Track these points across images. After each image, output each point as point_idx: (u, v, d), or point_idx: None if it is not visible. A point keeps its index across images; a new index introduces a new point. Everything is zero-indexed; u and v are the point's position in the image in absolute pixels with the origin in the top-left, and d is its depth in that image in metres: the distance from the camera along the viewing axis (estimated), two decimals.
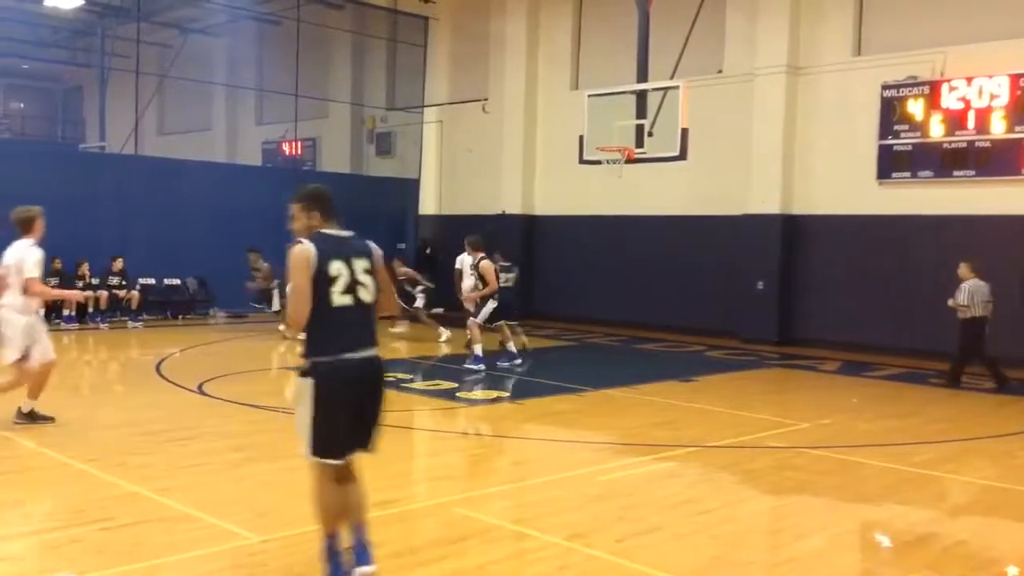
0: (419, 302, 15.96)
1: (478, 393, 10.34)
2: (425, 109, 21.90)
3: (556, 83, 19.64)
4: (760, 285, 16.18)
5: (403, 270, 15.91)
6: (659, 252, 17.62)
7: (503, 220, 19.84)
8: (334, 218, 4.51)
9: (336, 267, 4.27)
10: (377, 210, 20.11)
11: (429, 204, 21.97)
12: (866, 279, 15.12)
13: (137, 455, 7.22)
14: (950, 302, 11.60)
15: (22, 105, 34.13)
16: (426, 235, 21.68)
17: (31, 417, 7.94)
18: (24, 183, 15.59)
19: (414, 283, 16.08)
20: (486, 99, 20.67)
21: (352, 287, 4.31)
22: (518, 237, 19.62)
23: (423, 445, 8.45)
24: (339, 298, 4.27)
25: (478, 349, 12.08)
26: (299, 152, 23.33)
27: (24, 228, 7.73)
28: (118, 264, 16.49)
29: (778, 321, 16.07)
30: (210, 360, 12.97)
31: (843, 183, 15.57)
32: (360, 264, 4.37)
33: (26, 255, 7.63)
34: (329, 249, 4.30)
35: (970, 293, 11.45)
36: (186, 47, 25.45)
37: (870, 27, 15.62)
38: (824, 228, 15.71)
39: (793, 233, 16.08)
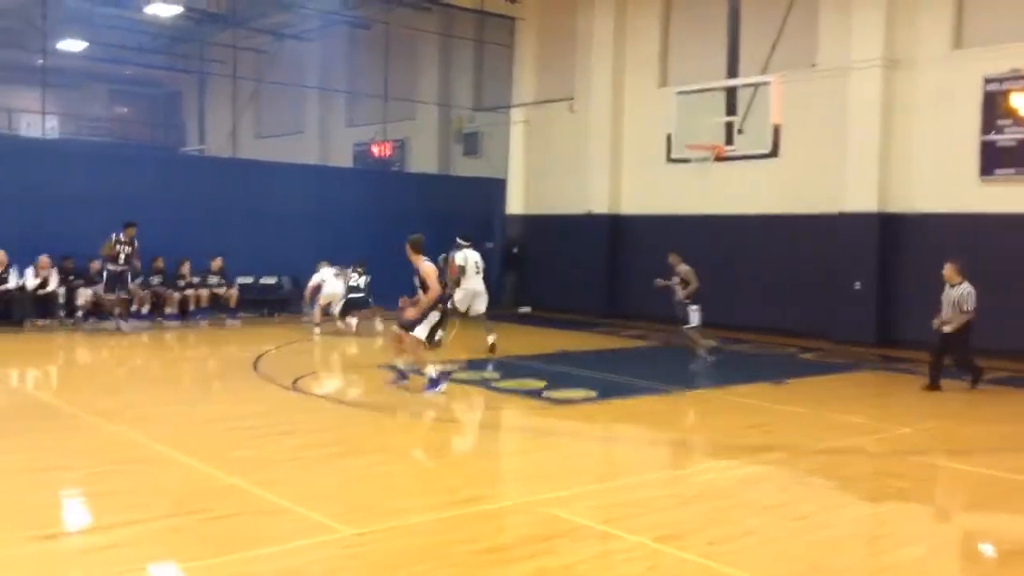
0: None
1: (566, 392, 10.32)
2: (512, 109, 21.97)
3: (643, 81, 19.47)
4: (857, 285, 15.73)
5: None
6: (750, 252, 17.30)
7: (589, 220, 19.78)
8: None
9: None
10: (464, 210, 20.28)
11: (516, 204, 22.03)
12: (968, 279, 14.54)
13: (235, 449, 7.44)
14: (935, 322, 11.04)
15: (125, 110, 35.45)
16: (513, 235, 21.76)
17: None
18: (127, 185, 16.39)
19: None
20: (572, 98, 20.63)
21: None
22: (604, 237, 19.52)
23: (511, 444, 8.48)
24: None
25: (431, 371, 9.71)
26: (388, 153, 23.68)
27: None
28: (217, 263, 17.02)
29: (876, 322, 15.59)
30: (304, 357, 13.26)
31: (943, 180, 15.01)
32: None
33: None
34: None
35: (956, 302, 10.94)
36: (280, 52, 26.10)
37: (971, 18, 15.04)
38: (924, 227, 15.18)
39: (891, 232, 15.59)
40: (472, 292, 13.40)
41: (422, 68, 24.04)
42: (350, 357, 13.82)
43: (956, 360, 11.21)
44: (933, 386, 11.08)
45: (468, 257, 13.47)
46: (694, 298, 13.24)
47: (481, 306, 13.51)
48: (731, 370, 13.15)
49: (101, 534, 5.36)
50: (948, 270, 11.18)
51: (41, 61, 18.33)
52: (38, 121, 20.04)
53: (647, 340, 16.20)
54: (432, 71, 23.89)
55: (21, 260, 15.04)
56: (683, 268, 13.41)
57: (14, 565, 4.72)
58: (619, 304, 19.19)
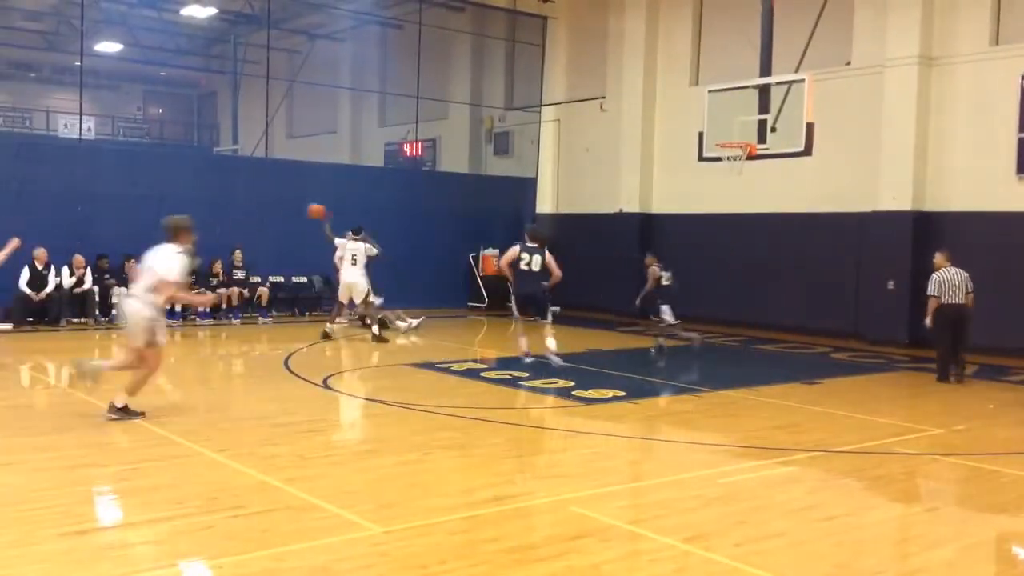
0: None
1: (595, 392, 10.31)
2: (543, 108, 21.98)
3: (675, 79, 19.39)
4: (890, 285, 15.56)
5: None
6: (781, 250, 17.17)
7: (620, 218, 19.73)
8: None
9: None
10: (495, 209, 20.34)
11: (546, 203, 22.03)
12: (1004, 279, 14.33)
13: (266, 446, 7.51)
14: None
15: (160, 110, 35.90)
16: (543, 234, 21.71)
17: (125, 412, 8.08)
18: (162, 185, 16.62)
19: None
20: (603, 97, 20.59)
21: None
22: (635, 235, 19.46)
23: (540, 442, 8.49)
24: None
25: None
26: (420, 153, 23.77)
27: (172, 235, 8.11)
28: (238, 255, 17.16)
29: (908, 322, 15.40)
30: (335, 356, 13.36)
31: (980, 179, 14.81)
32: None
33: (172, 262, 8.01)
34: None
35: (938, 283, 11.56)
36: (313, 52, 26.32)
37: (1009, 15, 14.80)
38: (959, 225, 14.97)
39: (925, 231, 15.39)
40: (345, 283, 14.55)
41: (454, 68, 24.11)
42: (380, 355, 13.88)
43: (960, 348, 11.69)
44: (944, 378, 11.60)
45: (348, 248, 14.52)
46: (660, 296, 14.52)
47: (357, 296, 14.55)
48: (762, 370, 13.07)
49: (133, 530, 5.45)
50: (941, 258, 11.78)
51: (79, 63, 18.59)
52: (76, 122, 20.33)
53: (676, 340, 16.12)
54: (464, 71, 23.95)
55: (58, 259, 15.30)
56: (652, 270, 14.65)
57: (46, 560, 4.81)
58: (649, 304, 19.09)
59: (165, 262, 8.01)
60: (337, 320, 14.89)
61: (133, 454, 7.14)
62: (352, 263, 14.50)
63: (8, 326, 14.81)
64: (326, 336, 14.47)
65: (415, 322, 16.25)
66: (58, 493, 6.02)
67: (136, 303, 8.04)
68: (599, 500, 6.22)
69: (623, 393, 10.35)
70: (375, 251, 14.75)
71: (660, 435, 8.71)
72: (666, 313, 14.43)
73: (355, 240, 14.65)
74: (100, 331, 15.15)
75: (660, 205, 19.68)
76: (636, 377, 11.91)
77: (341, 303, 14.87)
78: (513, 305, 12.41)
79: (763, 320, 17.12)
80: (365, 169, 23.13)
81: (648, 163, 19.79)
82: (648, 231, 19.58)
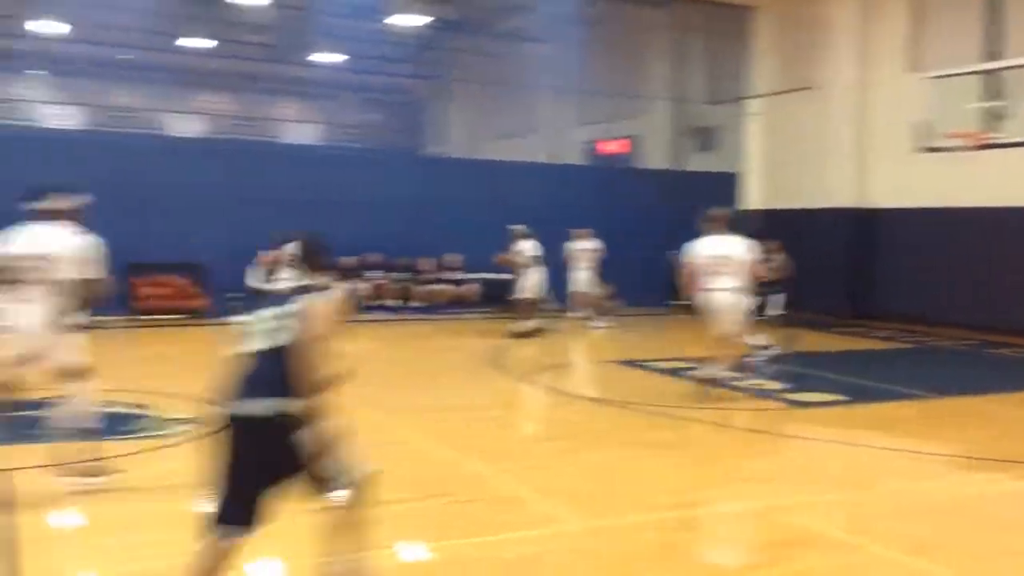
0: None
1: (807, 395, 9.90)
2: (747, 101, 21.35)
3: (890, 66, 18.27)
4: None
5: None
6: (1018, 247, 15.76)
7: (832, 214, 18.84)
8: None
9: None
10: (696, 206, 19.90)
11: (752, 199, 21.38)
12: None
13: (474, 437, 7.74)
14: None
15: (377, 117, 37.76)
16: (748, 231, 21.08)
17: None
18: (376, 187, 17.56)
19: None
20: (813, 87, 19.72)
21: None
22: (848, 232, 18.52)
23: (749, 446, 8.23)
24: None
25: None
26: (619, 150, 23.69)
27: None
28: (456, 259, 17.78)
29: None
30: (543, 351, 13.52)
31: None
32: None
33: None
34: None
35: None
36: (515, 54, 26.83)
37: None
38: None
39: None
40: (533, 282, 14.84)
41: (654, 63, 23.87)
42: (584, 352, 13.97)
43: None
44: None
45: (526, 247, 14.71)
46: None
47: (535, 293, 14.93)
48: (996, 376, 12.10)
49: None
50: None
51: (304, 74, 19.86)
52: (298, 129, 21.74)
53: (898, 342, 15.21)
54: (664, 65, 23.66)
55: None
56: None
57: (277, 535, 5.15)
58: (867, 303, 18.14)
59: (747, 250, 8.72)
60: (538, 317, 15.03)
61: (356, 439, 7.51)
62: (535, 261, 14.88)
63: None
64: (531, 333, 14.64)
65: (602, 323, 16.07)
66: None
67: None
68: (812, 508, 5.96)
69: (839, 397, 9.87)
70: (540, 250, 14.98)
71: (878, 442, 8.22)
72: (775, 306, 13.30)
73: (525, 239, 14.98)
74: None
75: (876, 199, 18.62)
76: (854, 380, 11.31)
77: (529, 300, 14.99)
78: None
79: (996, 322, 15.77)
80: (564, 167, 23.34)
81: (862, 155, 18.78)
82: (861, 226, 18.59)
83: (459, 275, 18.05)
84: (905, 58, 18.03)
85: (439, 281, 17.76)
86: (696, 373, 9.63)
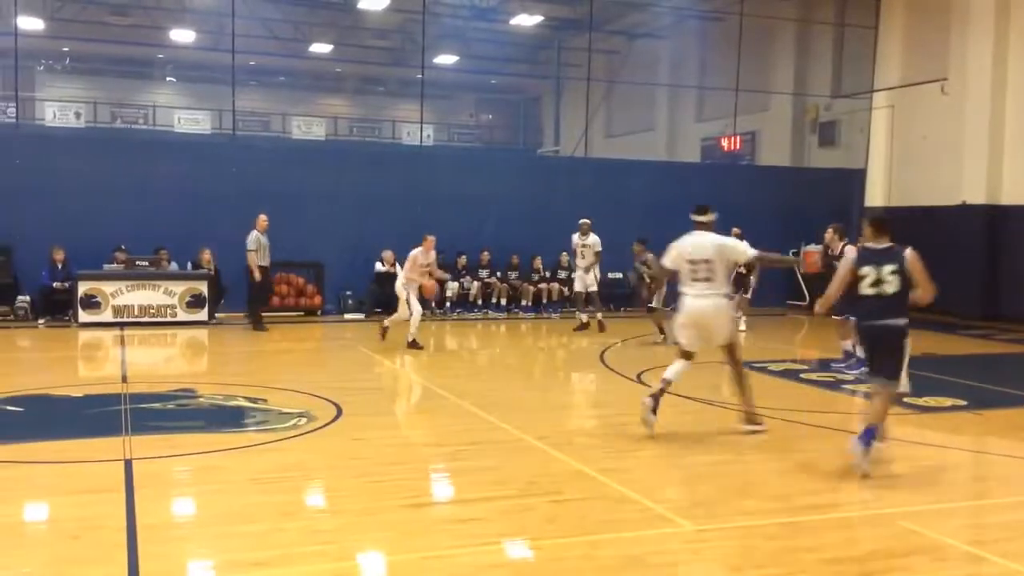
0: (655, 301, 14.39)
1: (930, 399, 9.50)
2: (874, 94, 20.59)
3: None
4: None
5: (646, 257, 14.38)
6: None
7: (963, 211, 17.99)
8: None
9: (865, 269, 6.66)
10: (818, 203, 19.31)
11: (876, 196, 20.60)
12: None
13: (582, 436, 7.75)
14: None
15: (491, 116, 38.10)
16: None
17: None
18: (491, 186, 17.81)
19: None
20: (945, 79, 18.84)
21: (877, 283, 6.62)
22: (981, 230, 17.64)
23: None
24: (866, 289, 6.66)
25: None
26: (738, 147, 23.21)
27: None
28: (563, 259, 17.77)
29: None
30: (648, 351, 13.41)
31: None
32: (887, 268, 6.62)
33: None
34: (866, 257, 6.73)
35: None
36: (632, 52, 26.62)
37: None
38: None
39: None
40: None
41: (776, 57, 23.27)
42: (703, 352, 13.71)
43: None
44: None
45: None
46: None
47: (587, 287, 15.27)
48: None
49: (462, 506, 5.85)
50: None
51: (420, 76, 20.27)
52: (417, 130, 22.17)
53: None
54: (787, 59, 23.04)
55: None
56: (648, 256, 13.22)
57: (390, 528, 5.30)
58: (998, 305, 17.26)
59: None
60: (587, 309, 15.24)
61: (464, 436, 7.64)
62: (582, 257, 15.20)
63: (360, 316, 16.51)
64: (584, 326, 14.92)
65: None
66: (399, 468, 6.62)
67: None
68: (933, 516, 5.73)
69: (964, 402, 9.44)
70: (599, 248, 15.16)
71: (1009, 450, 7.82)
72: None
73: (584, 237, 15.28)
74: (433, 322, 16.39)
75: (1011, 196, 17.67)
76: (981, 385, 10.80)
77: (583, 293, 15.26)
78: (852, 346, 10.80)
79: None
80: (681, 165, 23.03)
81: (997, 150, 17.84)
82: (996, 225, 17.67)
83: (570, 275, 18.05)
84: None
85: (550, 280, 17.86)
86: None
